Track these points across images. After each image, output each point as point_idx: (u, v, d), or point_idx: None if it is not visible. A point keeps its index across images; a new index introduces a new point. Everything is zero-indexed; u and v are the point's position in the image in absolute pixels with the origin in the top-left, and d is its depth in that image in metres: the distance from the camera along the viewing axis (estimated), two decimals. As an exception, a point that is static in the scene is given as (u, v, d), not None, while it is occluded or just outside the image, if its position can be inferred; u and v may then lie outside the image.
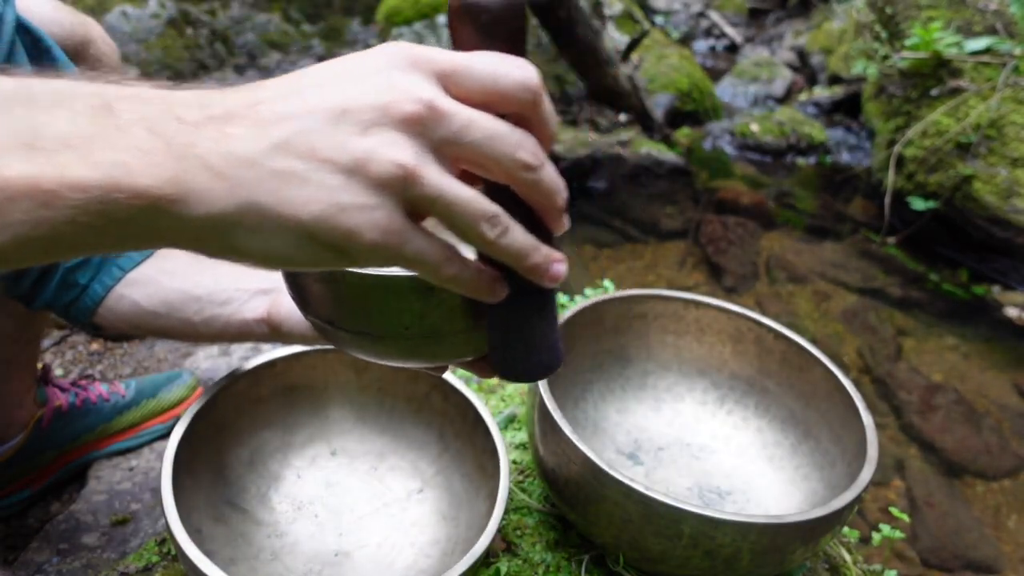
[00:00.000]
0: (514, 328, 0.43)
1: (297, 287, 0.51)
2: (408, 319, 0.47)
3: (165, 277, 0.76)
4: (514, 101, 0.35)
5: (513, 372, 0.45)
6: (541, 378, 0.45)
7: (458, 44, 0.37)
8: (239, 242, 0.32)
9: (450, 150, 0.34)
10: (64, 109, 0.30)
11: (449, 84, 0.34)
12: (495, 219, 0.35)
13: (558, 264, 0.38)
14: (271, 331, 0.73)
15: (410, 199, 0.33)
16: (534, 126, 0.36)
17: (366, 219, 0.32)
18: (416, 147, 0.33)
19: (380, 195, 0.32)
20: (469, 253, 0.39)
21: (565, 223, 0.39)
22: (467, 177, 0.36)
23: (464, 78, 0.34)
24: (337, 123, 0.32)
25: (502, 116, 0.35)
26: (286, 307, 0.71)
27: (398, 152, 0.32)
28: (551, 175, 0.37)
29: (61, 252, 0.31)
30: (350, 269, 0.45)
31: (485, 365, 0.56)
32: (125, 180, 0.29)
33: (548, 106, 0.36)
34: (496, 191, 0.37)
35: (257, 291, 0.74)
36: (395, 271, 0.46)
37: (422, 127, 0.33)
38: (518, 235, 0.36)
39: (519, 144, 0.35)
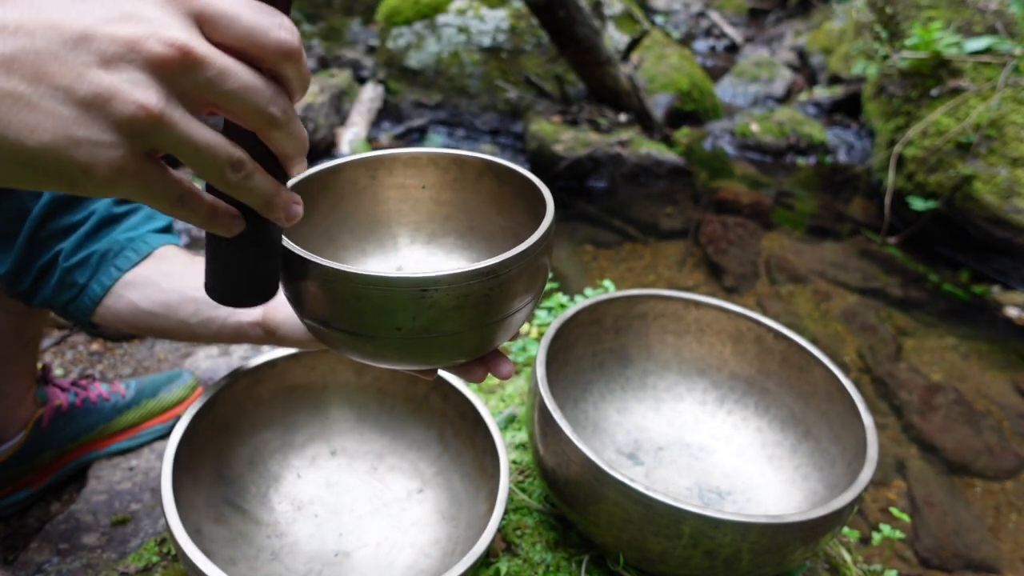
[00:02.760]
0: (240, 259, 0.44)
1: (292, 286, 0.51)
2: (401, 320, 0.48)
3: (163, 278, 0.76)
4: (272, 60, 0.35)
5: (231, 298, 0.46)
6: (255, 305, 0.47)
7: None
8: None
9: (201, 95, 0.33)
10: None
11: (209, 28, 0.33)
12: (239, 164, 0.36)
13: (296, 205, 0.40)
14: (266, 334, 0.73)
15: (153, 141, 0.33)
16: (288, 83, 0.36)
17: (102, 156, 0.31)
18: (163, 90, 0.32)
19: (119, 134, 0.31)
20: None
21: (303, 165, 0.40)
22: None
23: (226, 26, 0.33)
24: (76, 48, 0.30)
25: (258, 68, 0.35)
26: (281, 311, 0.71)
27: (144, 94, 0.31)
28: (297, 130, 0.37)
29: None
30: (343, 268, 0.46)
31: (475, 368, 0.56)
32: None
33: (304, 68, 0.36)
34: (239, 132, 0.37)
35: None
36: (390, 272, 0.46)
37: (172, 71, 0.32)
38: (260, 179, 0.37)
39: (271, 100, 0.35)
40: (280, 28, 0.34)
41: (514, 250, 0.49)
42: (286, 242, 0.48)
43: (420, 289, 0.46)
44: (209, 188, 0.39)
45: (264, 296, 0.47)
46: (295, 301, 0.52)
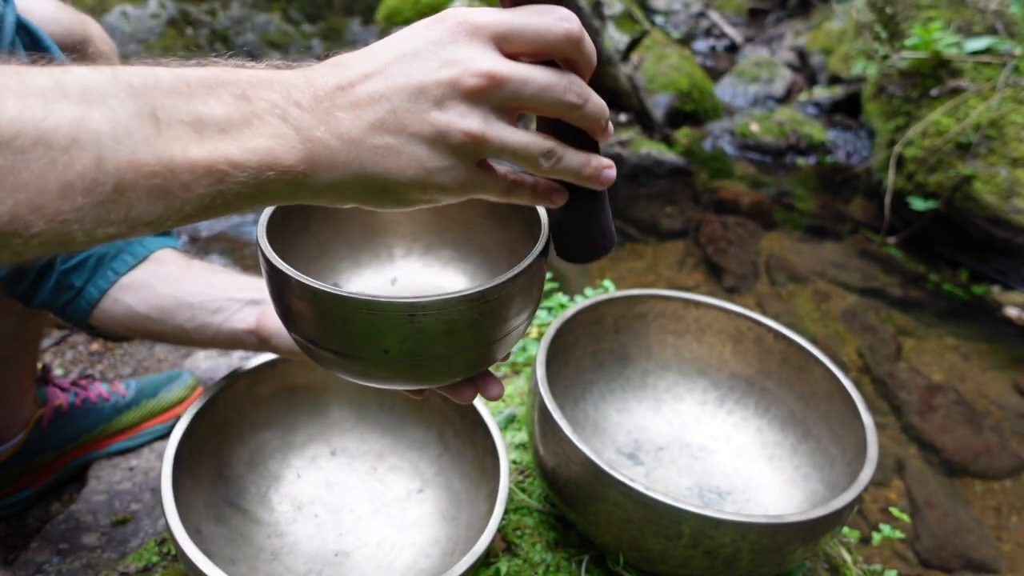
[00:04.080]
0: (574, 222, 0.51)
1: (282, 305, 0.50)
2: (388, 343, 0.47)
3: (159, 283, 0.76)
4: (561, 51, 0.42)
5: (577, 255, 0.52)
6: (600, 257, 0.52)
7: (504, 1, 0.43)
8: (352, 199, 0.42)
9: (510, 105, 0.42)
10: (214, 98, 0.38)
11: (504, 45, 0.41)
12: (550, 153, 0.43)
13: (608, 170, 0.46)
14: (259, 342, 0.73)
15: (481, 155, 0.42)
16: (578, 66, 0.43)
17: (449, 178, 0.42)
18: (481, 114, 0.41)
19: (456, 158, 0.41)
20: None
21: (610, 132, 0.46)
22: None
23: (517, 39, 0.41)
24: (417, 100, 0.40)
25: (552, 62, 0.42)
26: (275, 319, 0.71)
27: (467, 122, 0.40)
28: (595, 104, 0.44)
29: (220, 213, 0.40)
30: (331, 290, 0.46)
31: (465, 389, 0.56)
32: (274, 162, 0.39)
33: (589, 46, 0.43)
34: (550, 122, 0.45)
35: (248, 301, 0.74)
36: (379, 294, 0.45)
37: (485, 95, 0.40)
38: (571, 158, 0.44)
39: (567, 89, 0.42)
40: (561, 21, 0.41)
41: (504, 276, 0.48)
42: (274, 259, 0.48)
43: (408, 314, 0.45)
44: None
45: (600, 250, 0.52)
46: (283, 317, 0.52)
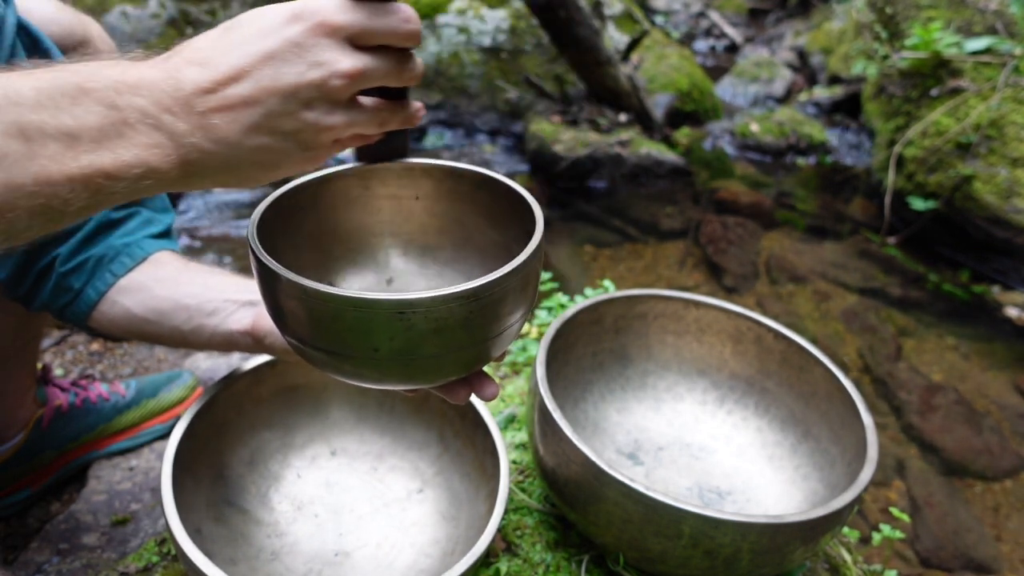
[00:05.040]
0: (387, 146, 0.59)
1: (273, 304, 0.50)
2: (378, 341, 0.47)
3: (156, 285, 0.76)
4: (406, 43, 0.48)
5: (382, 158, 0.60)
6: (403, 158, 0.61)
7: None
8: (223, 185, 0.47)
9: (364, 89, 0.48)
10: (81, 108, 0.39)
11: (359, 41, 0.46)
12: (382, 121, 0.52)
13: (421, 111, 0.55)
14: (255, 343, 0.73)
15: (338, 138, 0.49)
16: (411, 48, 0.50)
17: (313, 161, 0.49)
18: (342, 107, 0.47)
19: (321, 146, 0.48)
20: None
21: (420, 79, 0.54)
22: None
23: (371, 35, 0.46)
24: (288, 102, 0.45)
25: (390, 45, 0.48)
26: (270, 320, 0.71)
27: (333, 118, 0.47)
28: (417, 70, 0.51)
29: (98, 211, 0.43)
30: (320, 288, 0.45)
31: (459, 389, 0.55)
32: (149, 171, 0.41)
33: (420, 35, 0.49)
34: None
35: (244, 303, 0.74)
36: (366, 293, 0.45)
37: (346, 91, 0.46)
38: (394, 120, 0.52)
39: (402, 66, 0.49)
40: (406, 22, 0.47)
41: (496, 273, 0.47)
42: (263, 257, 0.48)
43: (397, 311, 0.45)
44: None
45: (406, 152, 0.62)
46: (274, 317, 0.52)
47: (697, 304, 0.98)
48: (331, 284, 0.63)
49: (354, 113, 0.48)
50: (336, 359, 0.49)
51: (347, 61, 0.45)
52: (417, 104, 0.55)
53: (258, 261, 0.48)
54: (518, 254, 0.49)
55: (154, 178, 0.42)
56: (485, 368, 0.58)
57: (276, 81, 0.44)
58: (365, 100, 0.50)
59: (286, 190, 0.56)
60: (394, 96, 0.52)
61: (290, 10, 0.45)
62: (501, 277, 0.47)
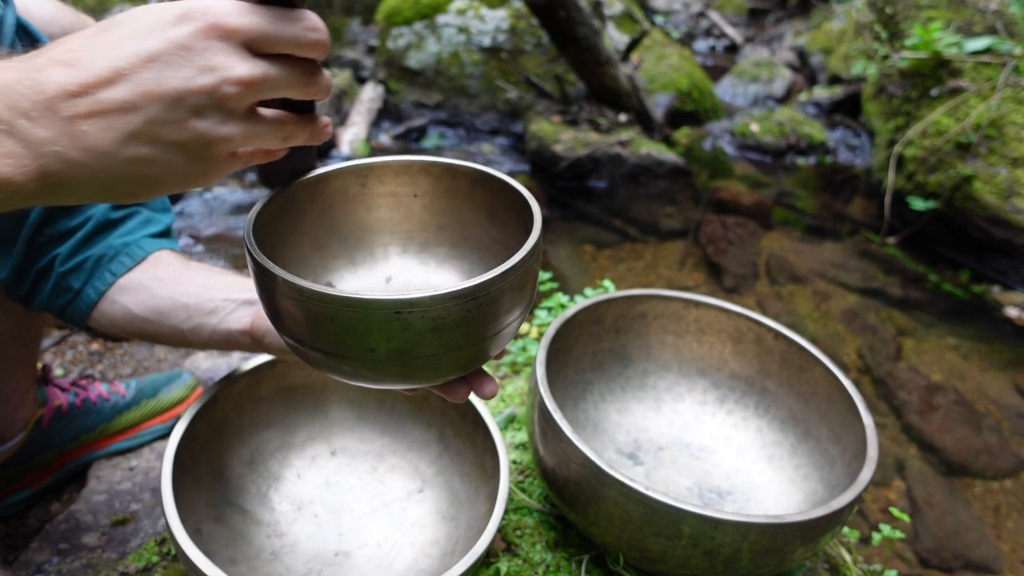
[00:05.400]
0: (290, 165, 0.56)
1: (270, 304, 0.50)
2: (375, 341, 0.46)
3: (156, 284, 0.76)
4: (311, 54, 0.44)
5: (279, 181, 0.57)
6: (299, 179, 0.58)
7: None
8: (99, 201, 0.42)
9: (263, 100, 0.44)
10: None
11: (256, 47, 0.42)
12: (286, 136, 0.47)
13: (327, 128, 0.51)
14: (254, 342, 0.73)
15: (233, 151, 0.44)
16: (317, 59, 0.45)
17: (205, 176, 0.44)
18: (238, 117, 0.42)
19: (214, 160, 0.43)
20: None
21: (329, 95, 0.50)
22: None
23: (271, 44, 0.42)
24: (174, 110, 0.40)
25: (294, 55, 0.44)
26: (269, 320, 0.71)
27: (227, 129, 0.42)
28: (325, 83, 0.47)
29: None
30: (316, 288, 0.45)
31: (458, 387, 0.55)
32: (2, 182, 0.36)
33: (328, 45, 0.45)
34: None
35: (243, 302, 0.74)
36: (364, 294, 0.45)
37: (241, 100, 0.42)
38: (300, 135, 0.48)
39: (308, 79, 0.45)
40: (309, 31, 0.43)
41: (492, 272, 0.47)
42: (260, 258, 0.48)
43: (394, 311, 0.45)
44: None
45: (307, 170, 0.59)
46: (272, 317, 0.52)
47: (697, 304, 0.98)
48: (329, 283, 0.63)
49: (253, 125, 0.44)
50: (334, 359, 0.49)
51: (242, 67, 0.41)
52: (325, 119, 0.51)
53: (254, 262, 0.48)
54: (517, 251, 0.49)
55: (6, 191, 0.37)
56: (484, 366, 0.58)
57: (159, 85, 0.39)
58: (267, 112, 0.46)
59: (284, 189, 0.56)
60: (300, 109, 0.48)
61: (178, 9, 0.40)
62: (498, 276, 0.47)
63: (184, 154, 0.41)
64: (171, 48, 0.39)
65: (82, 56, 0.39)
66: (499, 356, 0.57)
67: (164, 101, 0.39)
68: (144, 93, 0.39)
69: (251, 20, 0.41)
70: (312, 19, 0.43)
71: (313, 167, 0.59)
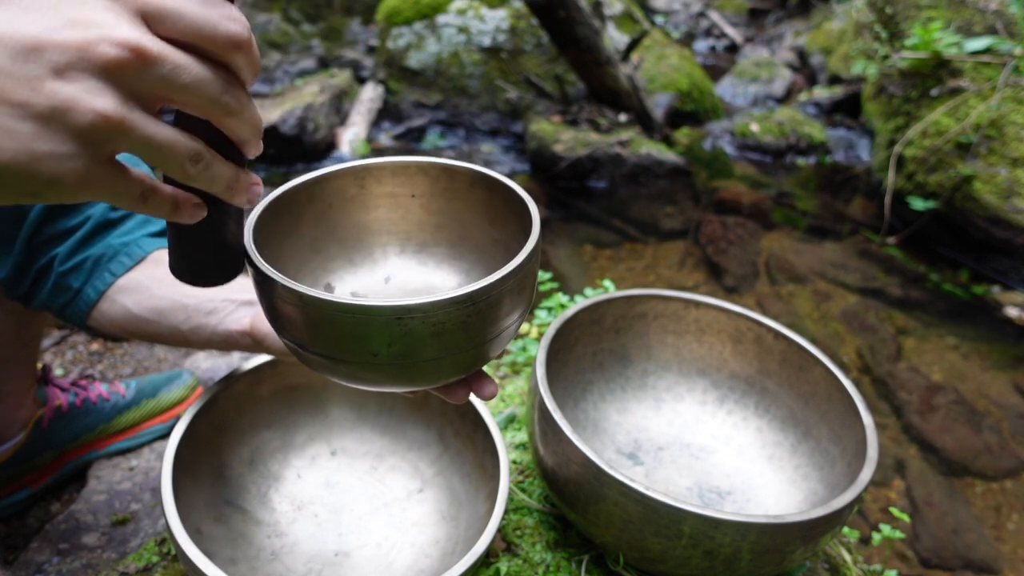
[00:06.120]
0: (208, 241, 0.45)
1: (271, 308, 0.50)
2: (376, 346, 0.46)
3: (155, 284, 0.76)
4: (222, 51, 0.35)
5: (202, 279, 0.47)
6: (227, 282, 0.48)
7: None
8: None
9: (156, 93, 0.33)
10: None
11: (157, 25, 0.33)
12: (197, 156, 0.36)
13: (256, 187, 0.42)
14: (254, 343, 0.73)
15: (113, 145, 0.33)
16: (239, 71, 0.36)
17: (66, 168, 0.31)
18: (120, 95, 0.32)
19: (81, 144, 0.32)
20: None
21: (259, 148, 0.41)
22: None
23: (174, 22, 0.33)
24: (27, 61, 0.30)
25: (208, 59, 0.35)
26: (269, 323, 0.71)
27: (101, 101, 0.31)
28: (251, 115, 0.38)
29: None
30: (317, 295, 0.45)
31: (458, 389, 0.55)
32: None
33: (255, 55, 0.36)
34: (195, 122, 0.38)
35: (243, 302, 0.74)
36: (365, 299, 0.45)
37: (126, 73, 0.32)
38: (219, 168, 0.38)
39: (223, 90, 0.35)
40: (228, 20, 0.34)
41: (493, 276, 0.47)
42: (259, 262, 0.47)
43: (395, 317, 0.45)
44: (168, 179, 0.39)
45: (229, 275, 0.48)
46: (272, 321, 0.51)
47: (697, 304, 0.98)
48: (329, 284, 0.63)
49: (144, 118, 0.33)
50: (335, 363, 0.49)
51: (129, 31, 0.32)
52: (255, 177, 0.41)
53: (254, 267, 0.48)
54: (515, 251, 0.49)
55: None
56: (484, 367, 0.58)
57: (12, 27, 0.30)
58: (174, 128, 0.36)
59: (282, 191, 0.56)
60: (226, 152, 0.40)
61: None
62: (498, 280, 0.47)
63: (36, 124, 0.30)
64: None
65: None
66: (499, 356, 0.57)
67: (13, 48, 0.30)
68: None
69: None
70: (234, 10, 0.35)
71: (239, 266, 0.48)
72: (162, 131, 0.34)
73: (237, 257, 0.48)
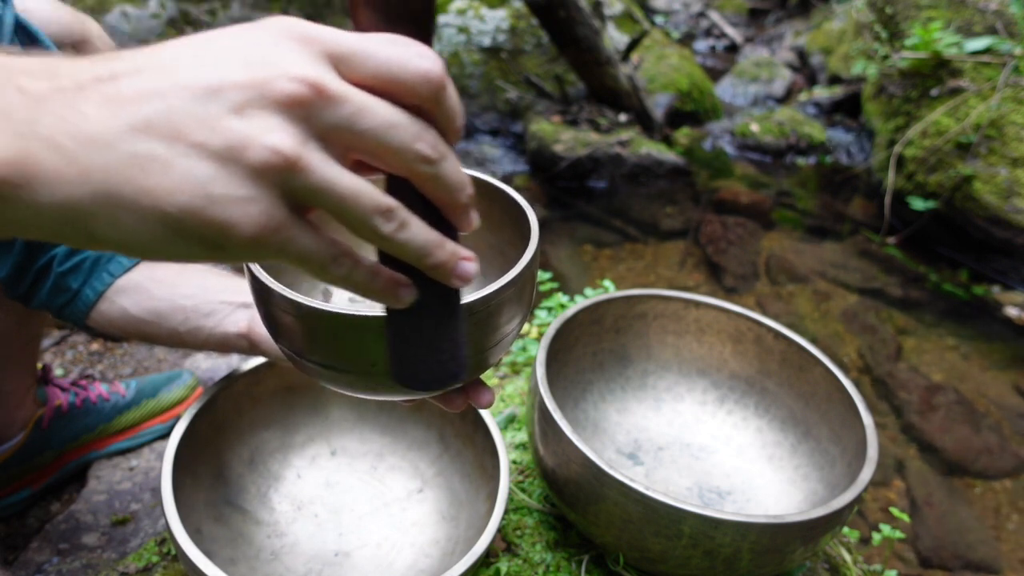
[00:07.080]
0: (421, 333, 0.39)
1: (268, 317, 0.49)
2: (375, 356, 0.46)
3: (154, 285, 0.76)
4: (415, 92, 0.32)
5: (418, 380, 0.40)
6: (446, 388, 0.43)
7: (357, 25, 0.34)
8: (99, 233, 0.29)
9: (340, 137, 0.31)
10: None
11: (343, 67, 0.31)
12: (390, 213, 0.32)
13: (466, 262, 0.35)
14: (251, 346, 0.73)
15: (293, 190, 0.30)
16: (437, 119, 0.33)
17: (241, 213, 0.29)
18: (299, 132, 0.29)
19: (257, 186, 0.29)
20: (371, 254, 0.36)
21: (472, 220, 0.36)
22: (364, 170, 0.34)
23: (361, 62, 0.31)
24: (207, 102, 0.28)
25: (401, 106, 0.32)
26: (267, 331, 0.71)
27: (277, 137, 0.29)
28: (454, 169, 0.33)
29: None
30: (315, 305, 0.44)
31: (455, 397, 0.55)
32: None
33: (453, 99, 0.33)
34: (396, 185, 0.34)
35: (240, 304, 0.74)
36: (364, 309, 0.44)
37: (306, 110, 0.29)
38: (418, 230, 0.33)
39: (417, 135, 0.32)
40: (420, 57, 0.31)
41: (491, 287, 0.46)
42: (256, 271, 0.47)
43: None
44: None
45: (449, 377, 0.40)
46: (269, 328, 0.51)
47: (697, 304, 0.98)
48: (327, 291, 0.63)
49: (326, 163, 0.30)
50: (333, 372, 0.49)
51: (313, 69, 0.30)
52: (466, 251, 0.36)
53: (251, 275, 0.48)
54: (513, 257, 0.48)
55: None
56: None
57: (194, 74, 0.29)
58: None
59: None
60: (434, 220, 0.34)
61: (258, 22, 0.32)
62: (497, 290, 0.46)
63: (212, 164, 0.28)
64: (230, 43, 0.30)
65: (131, 54, 0.30)
66: (497, 363, 0.57)
67: (194, 90, 0.29)
68: (172, 82, 0.29)
69: (343, 34, 0.32)
70: (424, 48, 0.32)
71: (460, 369, 0.40)
72: (347, 177, 0.30)
73: (455, 356, 0.40)
